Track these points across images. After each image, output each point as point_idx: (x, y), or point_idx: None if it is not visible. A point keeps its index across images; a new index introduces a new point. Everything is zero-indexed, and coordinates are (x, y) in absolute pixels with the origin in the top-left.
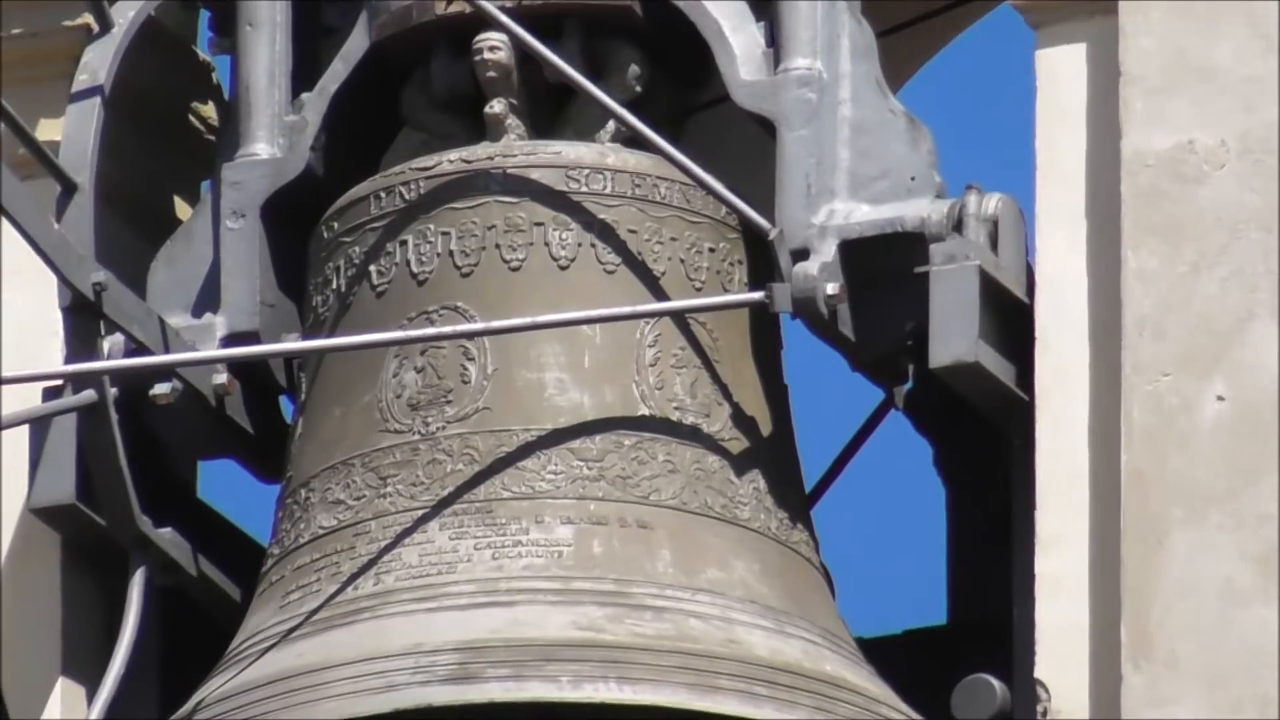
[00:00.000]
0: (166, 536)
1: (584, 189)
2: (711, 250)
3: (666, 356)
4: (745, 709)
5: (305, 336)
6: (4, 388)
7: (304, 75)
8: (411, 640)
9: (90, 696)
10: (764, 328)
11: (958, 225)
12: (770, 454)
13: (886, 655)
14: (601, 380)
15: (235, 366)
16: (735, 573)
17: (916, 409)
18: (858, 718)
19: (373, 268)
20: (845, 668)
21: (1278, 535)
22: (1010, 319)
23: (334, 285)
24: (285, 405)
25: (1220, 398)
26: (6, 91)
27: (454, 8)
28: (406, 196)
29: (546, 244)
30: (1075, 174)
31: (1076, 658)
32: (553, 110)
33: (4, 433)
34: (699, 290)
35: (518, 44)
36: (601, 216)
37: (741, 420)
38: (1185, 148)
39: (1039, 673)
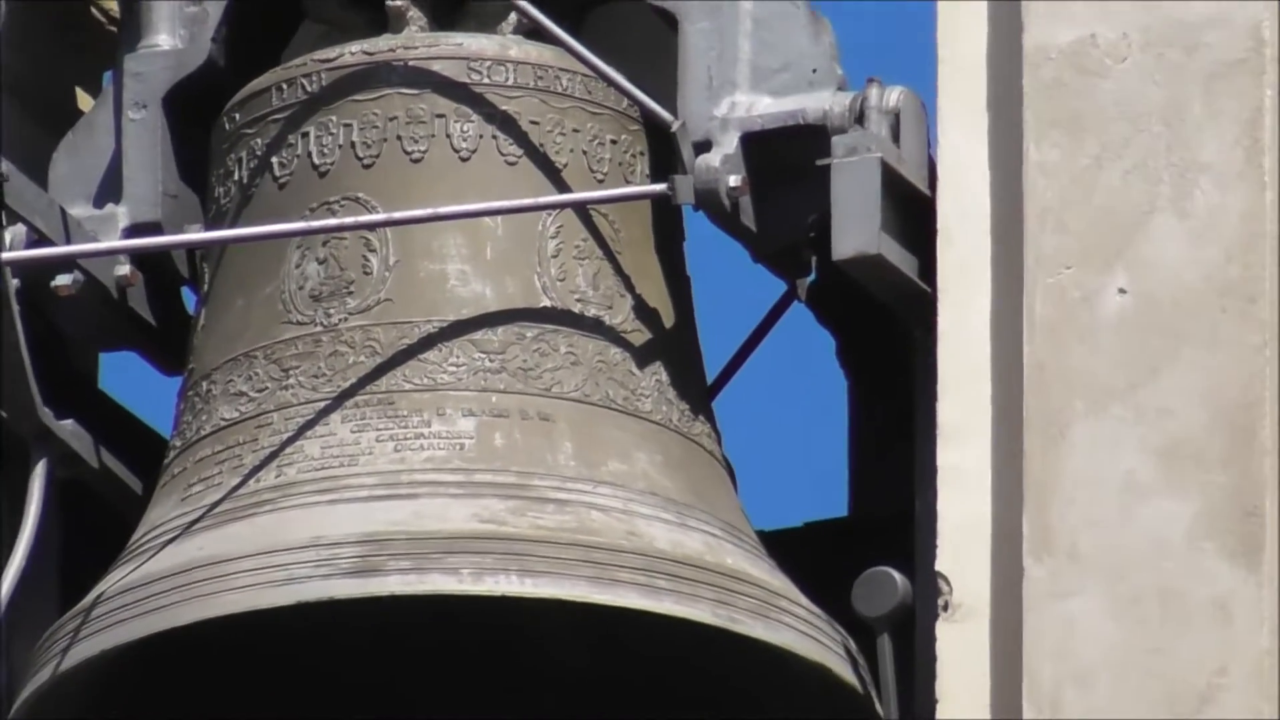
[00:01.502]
0: (68, 428)
1: (486, 81)
2: (614, 142)
3: (569, 248)
4: (645, 602)
5: (208, 227)
6: None
7: None
8: (313, 533)
9: None
10: (666, 220)
11: (859, 118)
12: (672, 346)
13: (787, 548)
14: (503, 272)
15: (137, 258)
16: (637, 465)
17: (819, 301)
18: (758, 610)
19: (274, 159)
20: (746, 561)
21: (1179, 429)
22: (912, 212)
23: (236, 177)
24: (188, 297)
25: (1122, 290)
26: None
27: None
28: (308, 88)
29: (448, 135)
30: (977, 67)
31: (978, 550)
32: (454, 3)
33: None
34: (601, 182)
35: None
36: (503, 108)
37: (644, 312)
38: (1087, 41)
39: (940, 565)
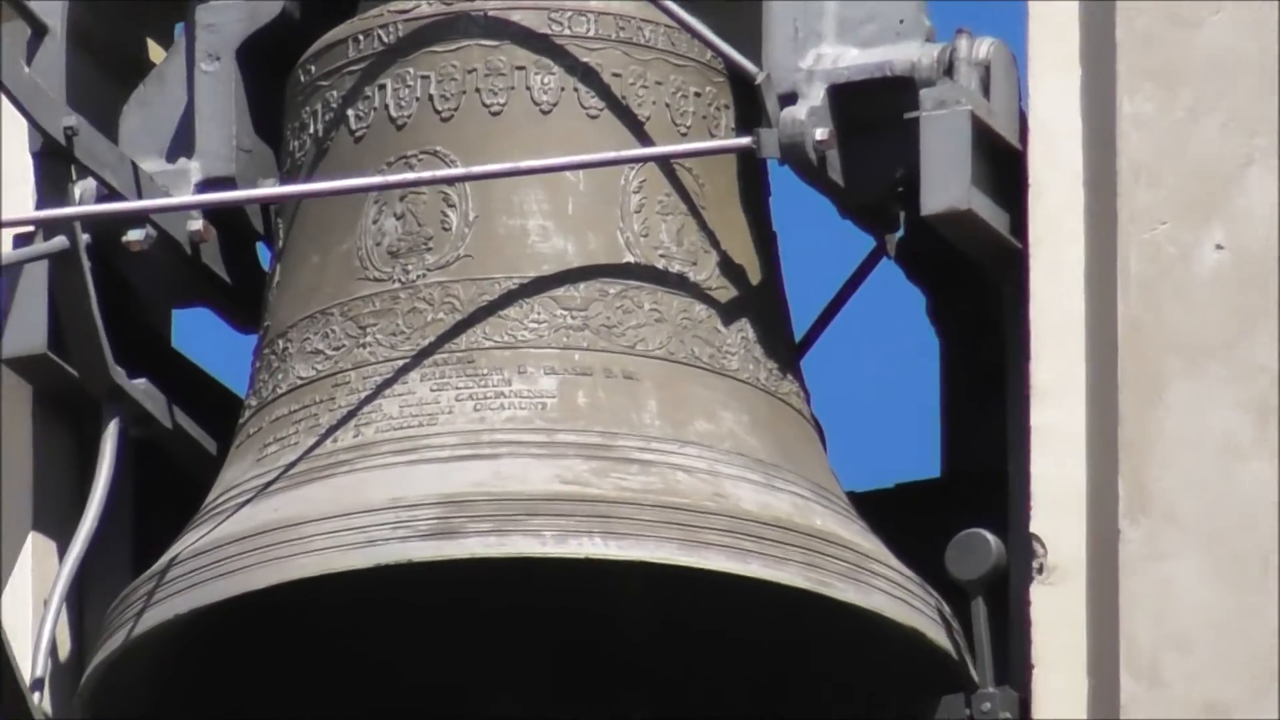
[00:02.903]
0: (140, 387)
1: (566, 32)
2: (697, 95)
3: (652, 203)
4: (732, 564)
5: (282, 182)
6: None
7: None
8: (391, 494)
9: (62, 551)
10: (751, 174)
11: (948, 70)
12: (759, 303)
13: (879, 509)
14: (585, 227)
15: (211, 213)
16: (723, 425)
17: (908, 257)
18: (848, 574)
19: (350, 112)
20: (836, 522)
21: (1277, 387)
22: (1002, 166)
23: (311, 130)
24: (262, 253)
25: (1219, 246)
26: None
27: None
28: (385, 39)
29: (528, 88)
30: (1069, 18)
31: (1073, 512)
32: None
33: None
34: (684, 135)
35: None
36: (584, 60)
37: (729, 268)
38: None
39: (1034, 527)
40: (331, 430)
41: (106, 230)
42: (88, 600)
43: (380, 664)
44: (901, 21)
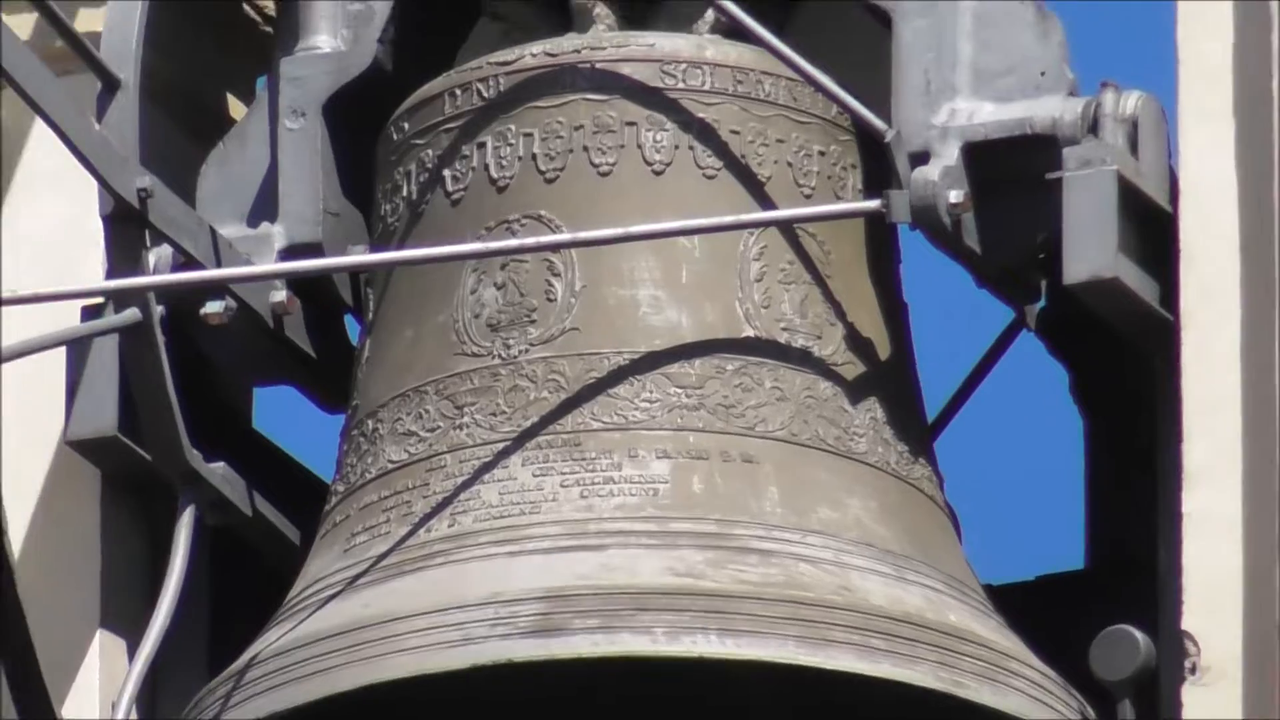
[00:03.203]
0: (218, 471)
1: (680, 85)
2: (822, 154)
3: (773, 271)
4: (861, 664)
5: (373, 249)
6: (39, 306)
7: None
8: (491, 588)
9: (132, 649)
10: (880, 239)
11: (1093, 126)
12: (889, 380)
13: (1018, 603)
14: (701, 297)
15: (295, 282)
16: (850, 512)
17: (1050, 329)
18: (984, 674)
19: (447, 172)
20: (972, 618)
21: None
22: (1152, 229)
23: (405, 192)
24: (351, 326)
25: None
26: None
27: None
28: (485, 94)
29: (639, 146)
30: (1222, 68)
31: (1228, 606)
32: None
33: (39, 357)
34: (808, 198)
35: None
36: (700, 115)
37: (857, 342)
38: None
39: (1186, 623)
40: (426, 519)
41: (182, 301)
42: (160, 703)
43: None
44: (1043, 74)
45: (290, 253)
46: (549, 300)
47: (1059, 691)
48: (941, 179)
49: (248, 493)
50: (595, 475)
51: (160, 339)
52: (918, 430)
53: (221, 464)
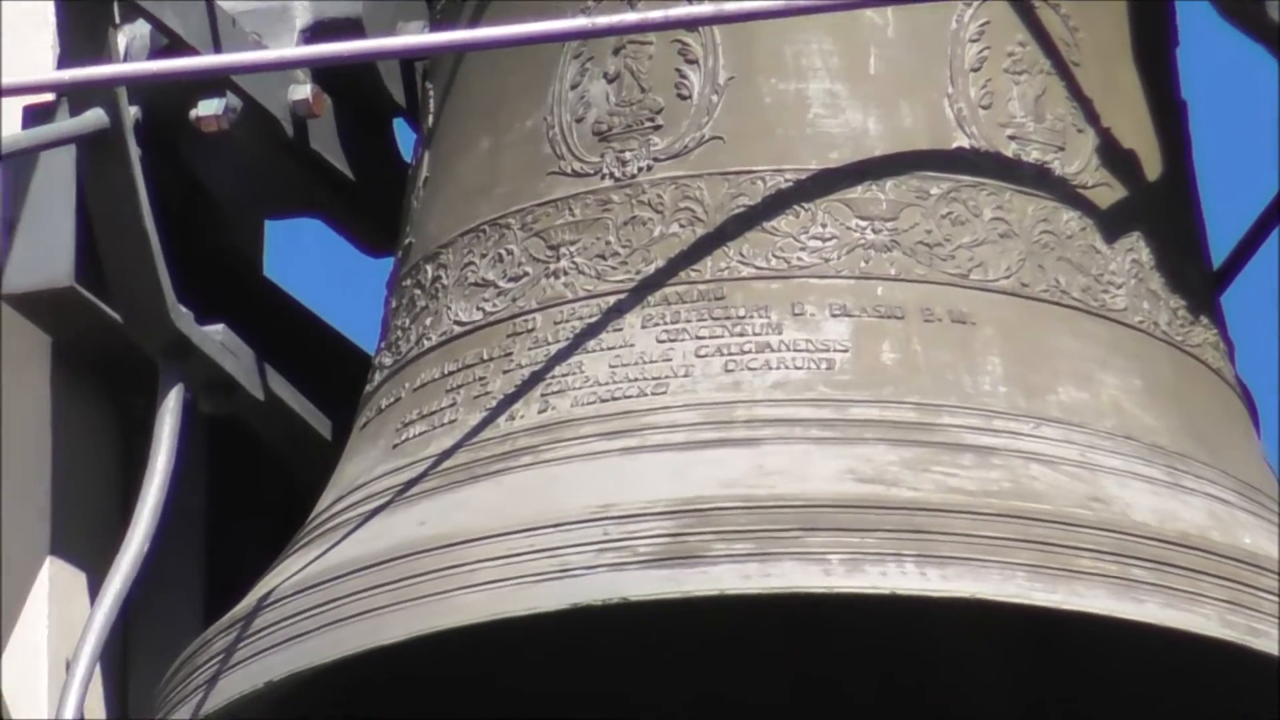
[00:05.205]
0: (216, 338)
1: None
2: None
3: (998, 57)
4: (1118, 605)
5: (433, 28)
6: None
7: None
8: (599, 499)
9: (95, 586)
10: (1151, 18)
11: None
12: (1160, 211)
13: None
14: (896, 94)
15: (323, 75)
16: (1104, 393)
17: None
18: None
19: None
20: (1274, 540)
21: None
22: None
23: None
24: (403, 134)
25: None
26: None
27: None
28: None
29: None
30: None
31: None
32: None
33: None
34: None
35: None
36: None
37: (1115, 157)
38: None
39: None
40: (507, 402)
41: (167, 101)
42: (133, 660)
43: None
44: None
45: (317, 32)
46: (680, 98)
47: None
48: None
49: (257, 367)
50: (745, 340)
51: (135, 152)
52: (1200, 280)
53: (221, 327)
